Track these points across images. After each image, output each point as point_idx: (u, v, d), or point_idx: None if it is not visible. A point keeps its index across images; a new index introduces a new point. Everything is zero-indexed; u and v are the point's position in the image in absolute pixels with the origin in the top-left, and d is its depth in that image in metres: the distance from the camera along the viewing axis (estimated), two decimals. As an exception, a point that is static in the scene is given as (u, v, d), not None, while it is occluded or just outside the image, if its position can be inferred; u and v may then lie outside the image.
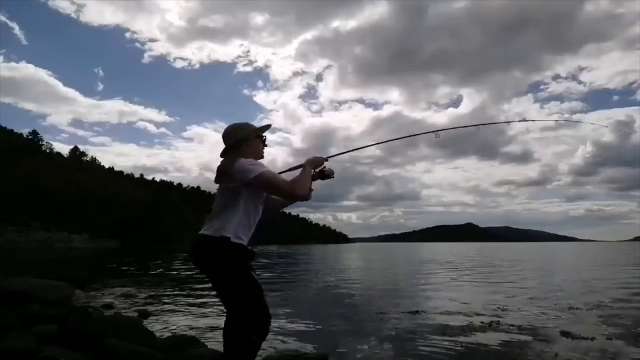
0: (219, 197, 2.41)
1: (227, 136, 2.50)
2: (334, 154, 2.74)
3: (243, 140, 2.46)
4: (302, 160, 2.54)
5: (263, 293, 2.36)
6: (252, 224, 2.39)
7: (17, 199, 58.78)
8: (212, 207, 2.42)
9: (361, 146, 3.15)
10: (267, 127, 2.59)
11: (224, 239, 2.24)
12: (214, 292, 9.66)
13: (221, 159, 2.50)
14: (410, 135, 3.28)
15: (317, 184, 2.59)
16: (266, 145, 2.58)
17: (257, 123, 2.58)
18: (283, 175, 2.55)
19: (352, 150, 2.96)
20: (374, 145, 3.17)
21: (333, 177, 2.63)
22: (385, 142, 3.27)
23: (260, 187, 2.32)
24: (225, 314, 2.44)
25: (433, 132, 3.17)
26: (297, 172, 2.46)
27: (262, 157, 2.55)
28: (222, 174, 2.39)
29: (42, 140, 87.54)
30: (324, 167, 2.59)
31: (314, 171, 2.52)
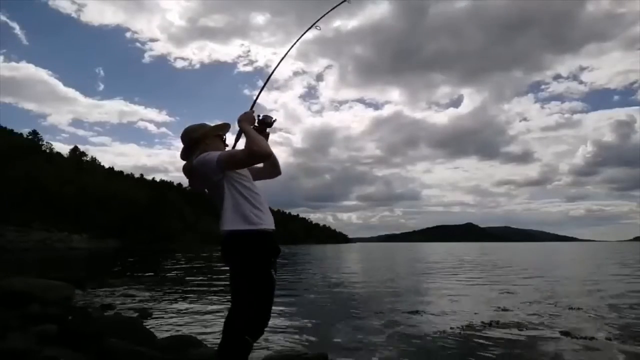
0: (213, 199, 2.42)
1: (184, 137, 2.51)
2: (254, 100, 2.69)
3: (200, 140, 2.46)
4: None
5: (273, 294, 2.32)
6: (259, 204, 2.34)
7: (17, 199, 58.75)
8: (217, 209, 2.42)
9: (274, 68, 2.96)
10: (225, 126, 2.57)
11: (235, 232, 2.24)
12: (213, 292, 9.60)
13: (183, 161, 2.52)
14: (304, 30, 3.08)
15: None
16: (227, 145, 2.55)
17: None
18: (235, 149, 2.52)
19: (266, 83, 2.85)
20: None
21: (274, 119, 2.55)
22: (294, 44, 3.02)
23: (227, 167, 2.30)
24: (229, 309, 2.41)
25: (313, 25, 3.00)
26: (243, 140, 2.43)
27: None
28: (190, 176, 2.42)
29: (42, 140, 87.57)
30: (259, 117, 2.52)
31: (255, 126, 2.47)
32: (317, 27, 3.02)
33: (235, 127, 2.50)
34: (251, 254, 2.24)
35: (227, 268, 2.33)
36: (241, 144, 2.43)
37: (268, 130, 2.54)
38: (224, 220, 2.27)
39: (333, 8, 3.12)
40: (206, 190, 2.47)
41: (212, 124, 2.56)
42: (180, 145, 2.55)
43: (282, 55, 2.96)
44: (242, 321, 2.22)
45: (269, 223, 2.34)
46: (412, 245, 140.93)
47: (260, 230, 2.27)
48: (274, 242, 2.33)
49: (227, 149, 2.52)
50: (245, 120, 2.42)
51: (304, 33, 3.05)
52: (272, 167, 2.64)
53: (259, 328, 2.29)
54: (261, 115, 2.52)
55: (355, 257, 32.54)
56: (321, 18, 3.04)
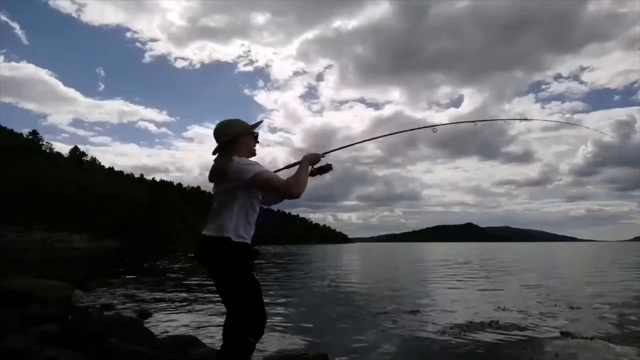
0: (216, 197, 2.40)
1: (218, 133, 2.46)
2: (330, 149, 2.70)
3: (236, 138, 2.43)
4: (300, 159, 2.53)
5: (262, 293, 2.35)
6: (252, 222, 2.38)
7: (17, 199, 58.78)
8: (212, 207, 2.42)
9: (359, 141, 3.05)
10: (259, 123, 2.56)
11: (225, 239, 2.25)
12: (213, 292, 9.61)
13: (213, 156, 2.49)
14: (408, 130, 3.23)
15: (317, 181, 2.58)
16: (258, 142, 2.55)
17: (258, 123, 2.53)
18: (281, 172, 2.54)
19: (349, 146, 2.90)
20: (374, 142, 3.13)
21: (332, 169, 2.61)
22: (384, 136, 3.18)
23: (257, 186, 2.31)
24: (225, 314, 2.43)
25: (431, 126, 3.10)
26: (294, 169, 2.44)
27: (254, 154, 2.53)
28: (218, 173, 2.39)
29: (42, 140, 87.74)
30: (322, 163, 2.56)
31: (312, 167, 2.50)
32: (434, 130, 3.08)
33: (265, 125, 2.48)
34: (230, 258, 2.26)
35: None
36: (285, 172, 2.48)
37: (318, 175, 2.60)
38: (218, 226, 2.28)
39: (452, 123, 3.25)
40: (214, 187, 2.45)
41: (221, 120, 2.52)
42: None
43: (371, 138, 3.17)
44: (242, 323, 2.24)
45: (250, 238, 2.37)
46: (412, 245, 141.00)
47: (241, 243, 2.30)
48: (251, 247, 2.36)
49: (256, 153, 2.53)
50: (310, 159, 2.47)
51: (417, 128, 3.20)
52: (280, 201, 2.65)
53: (259, 328, 2.31)
54: (325, 162, 2.57)
55: (355, 257, 32.55)
56: (438, 125, 3.10)
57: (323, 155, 2.56)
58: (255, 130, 2.54)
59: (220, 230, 2.27)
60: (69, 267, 18.82)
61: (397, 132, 3.24)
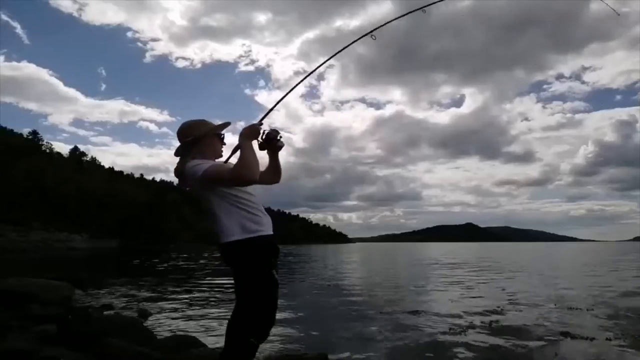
0: (201, 203, 2.31)
1: (182, 133, 2.35)
2: (263, 115, 2.43)
3: (199, 139, 2.31)
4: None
5: (277, 295, 2.26)
6: (253, 209, 2.24)
7: (17, 199, 58.78)
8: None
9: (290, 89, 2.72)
10: (226, 124, 2.45)
11: (230, 243, 2.19)
12: (213, 292, 9.57)
13: (176, 158, 2.39)
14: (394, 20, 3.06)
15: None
16: (224, 144, 2.43)
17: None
18: (231, 160, 2.40)
19: (280, 101, 2.61)
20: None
21: (281, 137, 2.35)
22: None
23: (210, 183, 2.18)
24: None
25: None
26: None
27: (220, 156, 2.40)
28: (180, 177, 2.32)
29: (42, 140, 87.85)
30: (265, 132, 2.32)
31: (258, 141, 2.32)
32: (373, 37, 2.89)
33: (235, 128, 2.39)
34: (251, 258, 2.20)
35: (228, 268, 2.31)
36: (234, 159, 2.28)
37: (279, 144, 2.37)
38: (220, 231, 2.21)
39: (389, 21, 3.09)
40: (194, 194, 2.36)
41: (186, 121, 2.41)
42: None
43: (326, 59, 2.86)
44: (247, 323, 2.19)
45: (267, 227, 2.26)
46: (412, 245, 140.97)
47: (258, 237, 2.21)
48: (273, 243, 2.28)
49: (224, 150, 2.42)
50: (248, 134, 2.22)
51: (353, 42, 2.94)
52: (273, 176, 2.54)
53: (265, 330, 2.25)
54: (267, 130, 2.32)
55: (355, 257, 32.53)
56: (376, 29, 2.94)
57: (260, 123, 2.36)
58: (222, 132, 2.42)
59: (223, 237, 2.20)
60: (69, 267, 18.79)
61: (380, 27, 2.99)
